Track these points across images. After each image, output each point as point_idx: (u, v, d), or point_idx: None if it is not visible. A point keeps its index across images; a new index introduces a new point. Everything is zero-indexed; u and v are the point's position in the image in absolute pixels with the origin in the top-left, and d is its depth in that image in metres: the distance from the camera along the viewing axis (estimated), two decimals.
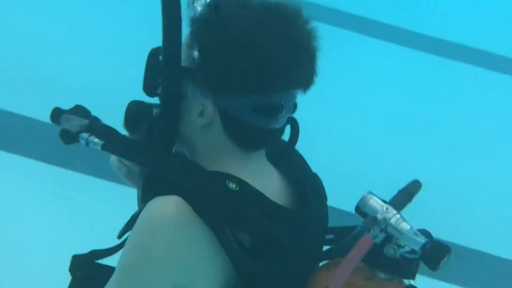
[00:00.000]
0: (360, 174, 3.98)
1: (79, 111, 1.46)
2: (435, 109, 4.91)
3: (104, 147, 1.36)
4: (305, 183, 1.48)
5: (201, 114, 1.32)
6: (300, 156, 1.52)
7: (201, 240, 1.26)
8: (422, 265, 1.36)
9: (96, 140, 1.36)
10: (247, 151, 1.37)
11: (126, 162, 1.49)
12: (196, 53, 1.30)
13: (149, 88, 1.36)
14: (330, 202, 1.57)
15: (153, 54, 1.35)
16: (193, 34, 1.32)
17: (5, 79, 4.18)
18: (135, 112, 1.40)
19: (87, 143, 1.37)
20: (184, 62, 1.32)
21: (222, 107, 1.31)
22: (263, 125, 1.33)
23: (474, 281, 3.53)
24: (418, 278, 1.38)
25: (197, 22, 1.31)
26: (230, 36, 1.27)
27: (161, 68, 1.32)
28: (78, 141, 1.39)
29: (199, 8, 1.31)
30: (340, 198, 2.09)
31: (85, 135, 1.38)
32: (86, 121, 1.41)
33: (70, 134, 1.39)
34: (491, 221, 3.99)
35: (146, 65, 1.35)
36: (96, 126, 1.41)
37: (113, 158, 1.54)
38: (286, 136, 1.47)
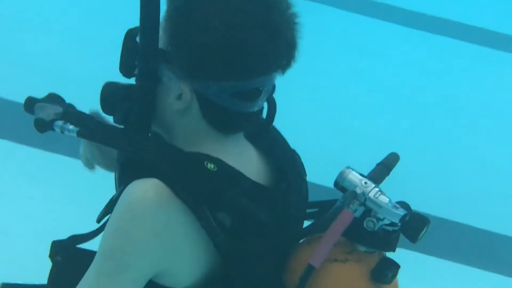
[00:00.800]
0: (341, 149, 4.00)
1: (53, 99, 1.45)
2: (417, 83, 4.92)
3: (79, 134, 1.35)
4: (283, 160, 1.48)
5: (178, 98, 1.31)
6: (278, 132, 1.52)
7: (182, 222, 1.26)
8: (402, 238, 1.37)
9: (71, 127, 1.35)
10: (225, 134, 1.37)
11: (97, 150, 1.49)
12: (172, 37, 1.29)
13: (125, 69, 1.35)
14: (311, 178, 1.57)
15: (130, 35, 1.33)
16: (169, 16, 1.30)
17: None
18: (111, 94, 1.38)
19: (62, 131, 1.36)
20: (161, 44, 1.30)
21: (200, 92, 1.30)
22: (242, 109, 1.33)
23: (455, 252, 3.56)
24: (399, 251, 1.39)
25: (174, 4, 1.30)
26: (206, 21, 1.26)
27: (138, 50, 1.31)
28: (53, 129, 1.37)
29: None
30: (321, 173, 2.10)
31: (59, 122, 1.36)
32: (60, 109, 1.39)
33: (44, 123, 1.37)
34: (473, 194, 4.02)
35: (123, 46, 1.34)
36: (70, 113, 1.39)
37: (82, 153, 1.55)
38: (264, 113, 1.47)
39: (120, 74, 1.38)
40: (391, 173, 1.44)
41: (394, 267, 1.34)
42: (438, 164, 4.20)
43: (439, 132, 4.49)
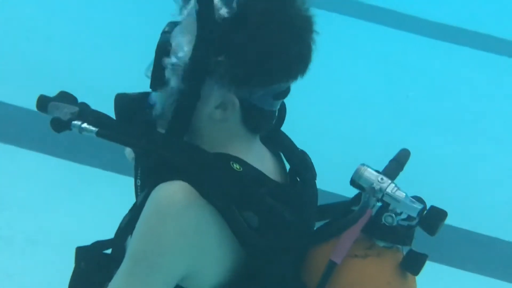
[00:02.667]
0: (356, 159, 3.98)
1: (66, 97, 1.43)
2: (435, 92, 4.89)
3: (99, 134, 1.34)
4: (295, 161, 1.51)
5: (220, 106, 1.32)
6: (285, 135, 1.54)
7: (210, 223, 1.28)
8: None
9: (90, 127, 1.35)
10: (255, 134, 1.40)
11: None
12: (219, 50, 1.28)
13: (157, 85, 1.33)
14: (326, 186, 1.58)
15: (163, 51, 1.32)
16: (210, 34, 1.28)
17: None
18: (126, 106, 1.40)
19: (80, 131, 1.35)
20: (192, 59, 1.29)
21: (245, 98, 1.32)
22: (274, 108, 1.37)
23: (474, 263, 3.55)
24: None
25: (223, 24, 1.28)
26: (253, 35, 1.27)
27: (181, 69, 1.30)
28: (70, 129, 1.36)
29: (221, 9, 1.28)
30: (335, 182, 2.10)
31: (77, 122, 1.35)
32: (76, 108, 1.38)
33: (61, 123, 1.37)
34: (493, 203, 3.99)
35: (156, 62, 1.32)
36: (87, 113, 1.38)
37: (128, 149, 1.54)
38: None
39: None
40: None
41: (424, 257, 1.37)
42: (458, 174, 4.16)
43: (458, 140, 4.45)
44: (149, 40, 1.48)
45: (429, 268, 1.41)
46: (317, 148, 1.62)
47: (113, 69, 4.31)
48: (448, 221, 1.39)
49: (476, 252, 3.57)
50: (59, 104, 1.40)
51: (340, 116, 4.41)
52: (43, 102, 1.41)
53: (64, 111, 1.38)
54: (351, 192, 1.42)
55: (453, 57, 5.28)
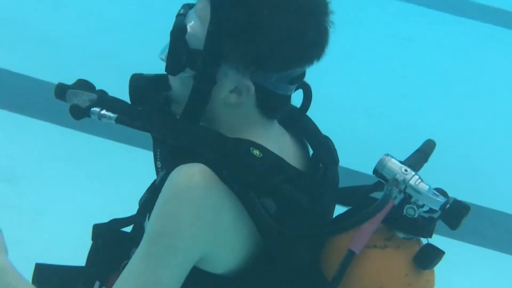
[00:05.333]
0: (374, 135, 3.97)
1: (84, 85, 1.43)
2: (451, 70, 4.86)
3: (118, 120, 1.34)
4: (318, 146, 1.49)
5: (234, 91, 1.31)
6: (310, 120, 1.53)
7: (227, 207, 1.27)
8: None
9: (109, 113, 1.35)
10: (272, 119, 1.38)
11: None
12: (234, 35, 1.27)
13: (174, 70, 1.32)
14: (343, 162, 1.57)
15: (179, 35, 1.30)
16: (225, 17, 1.27)
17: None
18: (141, 87, 1.39)
19: (99, 118, 1.35)
20: (207, 43, 1.28)
21: (260, 83, 1.31)
22: (289, 93, 1.36)
23: (491, 240, 3.55)
24: (435, 237, 1.40)
25: (231, 7, 1.27)
26: (268, 20, 1.26)
27: (196, 53, 1.29)
28: (89, 116, 1.37)
29: None
30: (354, 159, 2.09)
31: (96, 109, 1.36)
32: (94, 95, 1.38)
33: (80, 110, 1.37)
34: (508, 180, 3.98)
35: (172, 47, 1.31)
36: (105, 100, 1.38)
37: None
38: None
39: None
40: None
41: (440, 253, 1.36)
42: (475, 151, 4.15)
43: (474, 119, 4.43)
44: (166, 20, 1.46)
45: (438, 242, 1.39)
46: (327, 121, 1.60)
47: (126, 45, 4.30)
48: (457, 195, 1.37)
49: (482, 226, 3.58)
50: (77, 91, 1.40)
51: (347, 90, 4.40)
52: (61, 90, 1.41)
53: (83, 98, 1.38)
54: (354, 165, 1.40)
55: (458, 30, 5.24)
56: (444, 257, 1.37)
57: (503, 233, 3.63)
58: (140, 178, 1.48)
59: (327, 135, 1.55)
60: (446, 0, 5.49)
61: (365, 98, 4.40)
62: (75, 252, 1.56)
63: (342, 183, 1.52)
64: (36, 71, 3.91)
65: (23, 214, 3.14)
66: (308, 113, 1.52)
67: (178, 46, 1.30)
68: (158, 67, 1.39)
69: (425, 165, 1.44)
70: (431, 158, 1.46)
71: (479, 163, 4.07)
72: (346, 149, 1.75)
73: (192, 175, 1.25)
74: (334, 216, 1.49)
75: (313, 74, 1.41)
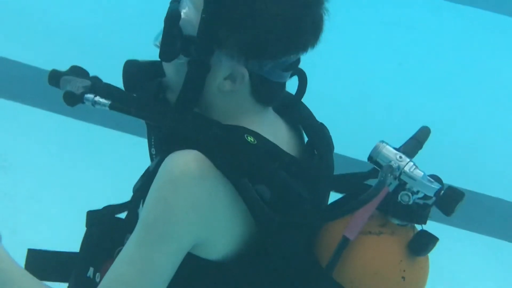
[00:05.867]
0: (370, 122, 3.97)
1: (77, 71, 1.43)
2: (445, 56, 4.85)
3: (112, 107, 1.33)
4: (312, 134, 1.49)
5: (228, 78, 1.31)
6: (305, 106, 1.53)
7: (222, 193, 1.27)
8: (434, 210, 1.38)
9: (102, 100, 1.34)
10: (266, 106, 1.38)
11: None
12: (228, 22, 1.26)
13: (168, 56, 1.31)
14: (338, 149, 1.57)
15: (173, 21, 1.29)
16: (220, 4, 1.26)
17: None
18: (135, 73, 1.39)
19: (93, 104, 1.35)
20: (200, 26, 1.27)
21: (254, 70, 1.30)
22: (283, 80, 1.35)
23: (484, 225, 3.56)
24: (429, 223, 1.40)
25: None
26: (265, 3, 1.25)
27: (185, 38, 1.29)
28: (83, 102, 1.36)
29: None
30: (350, 146, 2.09)
31: (90, 96, 1.35)
32: (88, 82, 1.38)
33: (74, 96, 1.36)
34: (503, 167, 3.99)
35: (166, 33, 1.30)
36: (99, 86, 1.38)
37: None
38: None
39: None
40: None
41: (434, 239, 1.36)
42: (470, 138, 4.16)
43: (470, 105, 4.43)
44: (160, 6, 1.46)
45: (432, 228, 1.39)
46: (323, 109, 1.60)
47: (121, 32, 4.29)
48: (451, 182, 1.37)
49: (478, 212, 3.59)
50: (71, 78, 1.40)
51: (341, 81, 4.39)
52: (55, 77, 1.41)
53: (77, 85, 1.37)
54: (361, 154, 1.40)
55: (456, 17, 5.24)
56: (439, 243, 1.38)
57: (498, 219, 3.65)
58: (135, 164, 1.48)
59: (323, 122, 1.55)
60: None
61: (360, 85, 4.40)
62: (70, 238, 1.56)
63: (338, 171, 1.52)
64: (28, 58, 3.90)
65: (18, 201, 3.14)
66: (304, 101, 1.52)
67: (172, 33, 1.29)
68: (152, 53, 1.38)
69: (420, 152, 1.44)
70: (426, 145, 1.46)
71: (474, 150, 4.08)
72: (341, 137, 1.75)
73: (186, 162, 1.25)
74: (329, 203, 1.50)
75: (308, 61, 1.41)
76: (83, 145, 3.49)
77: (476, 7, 5.33)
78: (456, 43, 5.00)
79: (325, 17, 1.32)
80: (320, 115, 1.55)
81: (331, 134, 1.54)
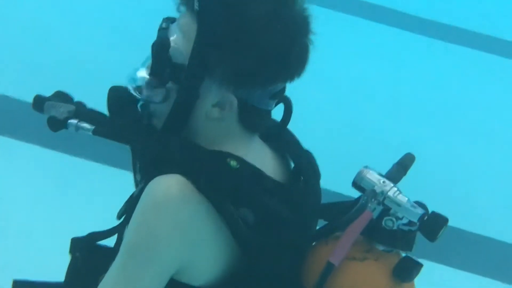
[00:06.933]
0: (360, 157, 3.97)
1: (62, 97, 1.43)
2: (435, 91, 4.89)
3: (95, 132, 1.34)
4: (298, 160, 1.50)
5: (217, 105, 1.31)
6: (291, 133, 1.54)
7: (204, 217, 1.27)
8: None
9: (86, 125, 1.35)
10: (253, 133, 1.39)
11: None
12: (218, 50, 1.27)
13: (158, 83, 1.31)
14: (329, 185, 1.57)
15: (162, 48, 1.30)
16: (212, 33, 1.27)
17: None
18: (119, 99, 1.39)
19: (76, 129, 1.35)
20: (189, 54, 1.28)
21: (242, 97, 1.31)
22: (269, 107, 1.37)
23: (472, 264, 3.54)
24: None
25: (213, 18, 1.27)
26: (254, 36, 1.26)
27: (180, 67, 1.29)
28: (66, 128, 1.37)
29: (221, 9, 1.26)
30: (340, 181, 2.09)
31: (73, 121, 1.36)
32: (72, 107, 1.39)
33: (58, 122, 1.37)
34: (491, 205, 3.98)
35: (155, 61, 1.31)
36: (83, 111, 1.39)
37: None
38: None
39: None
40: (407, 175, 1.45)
41: (418, 265, 1.35)
42: (460, 173, 4.16)
43: (461, 141, 4.45)
44: (145, 34, 1.47)
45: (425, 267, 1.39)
46: (316, 145, 1.61)
47: (108, 61, 4.31)
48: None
49: (469, 251, 3.58)
50: (55, 103, 1.40)
51: (339, 113, 4.41)
52: (39, 102, 1.42)
53: (61, 110, 1.38)
54: (354, 191, 1.41)
55: (453, 57, 5.28)
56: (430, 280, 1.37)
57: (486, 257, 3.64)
58: (123, 196, 1.48)
59: (313, 153, 1.55)
60: (435, 27, 5.55)
61: (349, 116, 4.42)
62: (62, 271, 1.55)
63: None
64: (19, 93, 3.91)
65: (10, 236, 3.12)
66: (298, 130, 1.53)
67: (161, 60, 1.30)
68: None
69: (405, 178, 1.44)
70: (412, 172, 1.46)
71: (464, 188, 4.07)
72: (329, 170, 1.75)
73: (169, 186, 1.25)
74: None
75: (302, 94, 1.42)
76: (73, 179, 3.48)
77: (467, 47, 5.41)
78: (448, 80, 5.04)
79: (310, 47, 1.34)
80: (314, 149, 1.56)
81: (321, 166, 1.54)
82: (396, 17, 5.53)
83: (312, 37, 1.34)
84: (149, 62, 1.33)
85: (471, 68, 5.21)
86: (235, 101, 1.31)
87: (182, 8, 1.32)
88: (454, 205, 3.58)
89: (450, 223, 1.34)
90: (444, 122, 4.59)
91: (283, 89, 1.38)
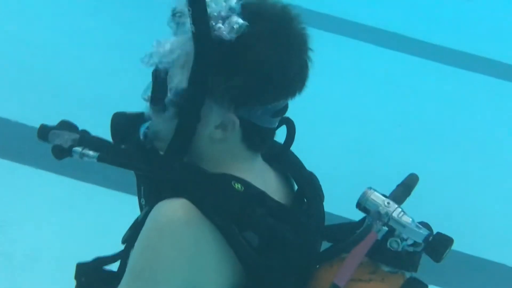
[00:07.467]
0: (366, 181, 3.96)
1: (66, 126, 1.45)
2: (439, 113, 4.89)
3: (100, 159, 1.35)
4: (302, 182, 1.50)
5: (219, 126, 1.31)
6: (294, 155, 1.54)
7: (209, 241, 1.27)
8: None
9: (91, 152, 1.36)
10: (256, 153, 1.39)
11: None
12: (220, 71, 1.27)
13: (157, 103, 1.32)
14: (334, 209, 1.57)
15: (161, 74, 1.31)
16: (210, 54, 1.27)
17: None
18: (122, 124, 1.41)
19: (81, 157, 1.36)
20: (192, 81, 1.28)
21: (245, 117, 1.31)
22: (272, 126, 1.37)
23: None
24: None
25: (221, 45, 1.27)
26: (253, 54, 1.27)
27: (180, 91, 1.29)
28: (71, 156, 1.38)
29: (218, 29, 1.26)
30: (345, 205, 2.10)
31: (78, 149, 1.37)
32: (76, 135, 1.40)
33: (62, 149, 1.38)
34: (498, 229, 3.96)
35: (155, 84, 1.32)
36: (88, 139, 1.40)
37: None
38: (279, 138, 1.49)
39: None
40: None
41: (423, 286, 1.36)
42: (467, 198, 4.14)
43: (466, 165, 4.44)
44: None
45: None
46: (318, 167, 1.61)
47: (110, 83, 4.34)
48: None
49: (475, 276, 3.55)
50: (60, 132, 1.42)
51: (343, 134, 4.41)
52: (44, 131, 1.44)
53: (65, 138, 1.40)
54: (358, 215, 1.41)
55: (455, 81, 5.29)
56: None
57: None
58: (128, 221, 1.48)
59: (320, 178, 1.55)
60: (442, 52, 5.57)
61: (353, 138, 4.42)
62: None
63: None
64: (23, 117, 3.93)
65: (16, 261, 3.12)
66: (301, 152, 1.53)
67: (161, 87, 1.31)
68: (141, 106, 1.40)
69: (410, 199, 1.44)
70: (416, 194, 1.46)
71: (473, 211, 4.05)
72: (334, 194, 1.75)
73: (173, 210, 1.26)
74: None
75: (305, 116, 1.42)
76: (80, 204, 3.49)
77: (474, 72, 5.42)
78: (452, 101, 5.05)
79: (310, 64, 1.35)
80: (320, 174, 1.56)
81: (324, 188, 1.55)
82: (400, 42, 5.56)
83: (310, 54, 1.35)
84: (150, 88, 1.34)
85: (475, 91, 5.22)
86: (237, 121, 1.31)
87: (179, 31, 1.31)
88: (457, 227, 3.57)
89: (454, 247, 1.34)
90: (448, 143, 4.58)
91: (286, 107, 1.38)
